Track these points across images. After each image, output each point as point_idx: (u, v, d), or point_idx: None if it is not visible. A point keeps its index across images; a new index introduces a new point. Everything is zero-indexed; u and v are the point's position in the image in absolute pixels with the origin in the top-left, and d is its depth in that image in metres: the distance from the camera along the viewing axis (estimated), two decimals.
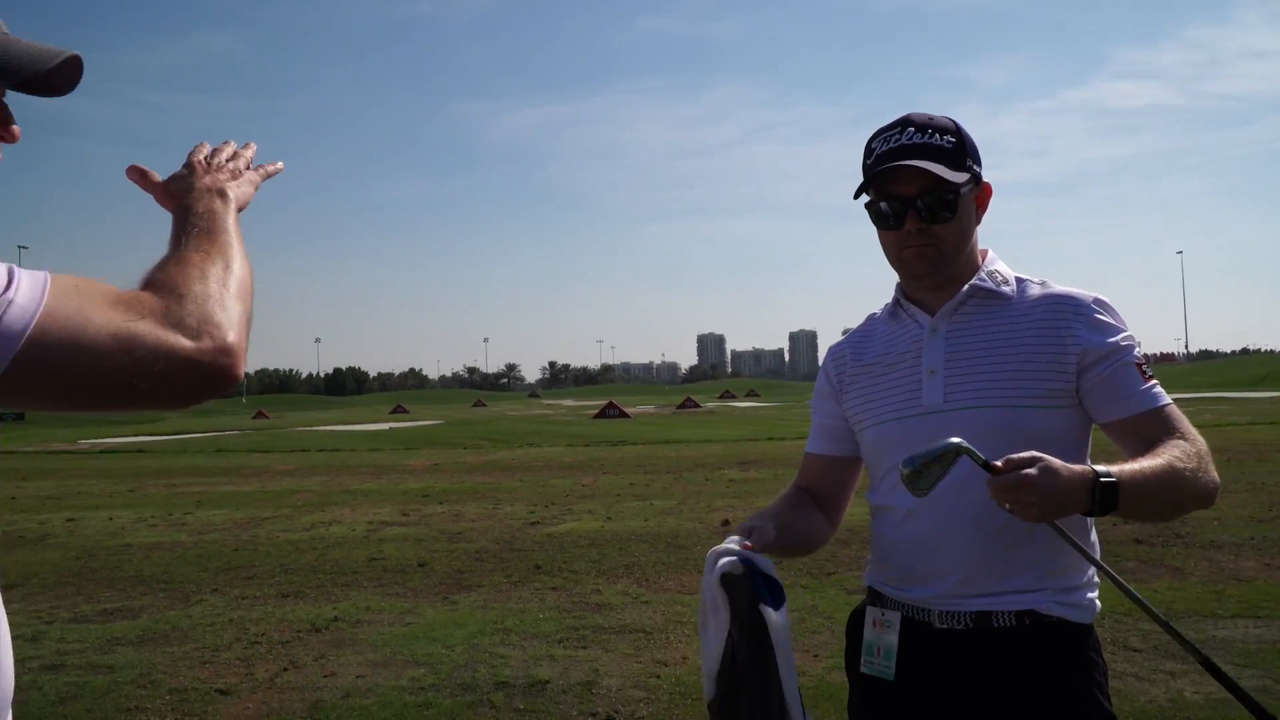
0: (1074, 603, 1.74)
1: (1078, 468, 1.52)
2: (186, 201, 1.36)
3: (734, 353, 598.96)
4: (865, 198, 1.85)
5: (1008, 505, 1.52)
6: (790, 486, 2.08)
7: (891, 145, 1.79)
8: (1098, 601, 1.79)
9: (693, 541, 9.12)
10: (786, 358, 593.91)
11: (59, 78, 1.32)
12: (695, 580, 7.40)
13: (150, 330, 1.14)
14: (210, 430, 42.15)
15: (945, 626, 1.76)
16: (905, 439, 1.77)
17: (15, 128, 1.31)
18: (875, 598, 1.90)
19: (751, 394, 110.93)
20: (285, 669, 5.36)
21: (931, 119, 1.82)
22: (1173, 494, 1.61)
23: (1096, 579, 1.80)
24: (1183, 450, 1.64)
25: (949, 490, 1.62)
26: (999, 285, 1.84)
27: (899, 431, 1.83)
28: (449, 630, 6.07)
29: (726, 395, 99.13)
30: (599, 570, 7.90)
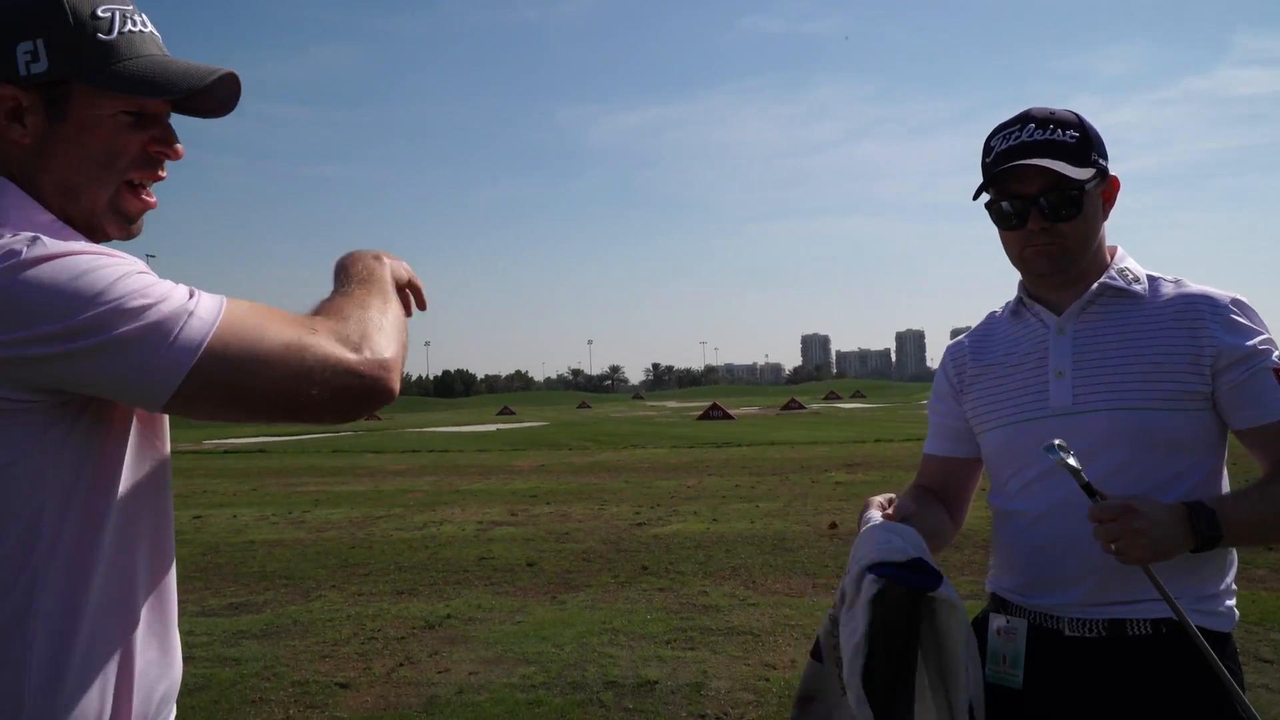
0: (1211, 610, 1.69)
1: (1172, 504, 1.55)
2: (346, 261, 1.49)
3: (839, 353, 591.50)
4: (985, 196, 1.82)
5: (1112, 547, 1.52)
6: (910, 486, 2.06)
7: (1011, 143, 1.75)
8: (1236, 610, 1.74)
9: (799, 544, 9.05)
10: (893, 358, 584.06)
11: (216, 97, 1.42)
12: (802, 583, 7.35)
13: (319, 343, 1.25)
14: (326, 431, 43.42)
15: (1076, 635, 1.72)
16: (1033, 442, 1.72)
17: (179, 146, 1.40)
18: (999, 604, 1.86)
19: (857, 395, 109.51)
20: (401, 664, 5.50)
21: (1053, 113, 1.77)
22: None
23: (1235, 586, 1.74)
24: None
25: (1079, 495, 1.60)
26: (1130, 283, 1.78)
27: (1026, 434, 1.78)
28: (558, 629, 6.14)
29: (832, 396, 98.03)
30: (705, 572, 7.90)
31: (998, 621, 1.83)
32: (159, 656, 1.37)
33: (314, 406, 1.26)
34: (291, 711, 4.78)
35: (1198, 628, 1.64)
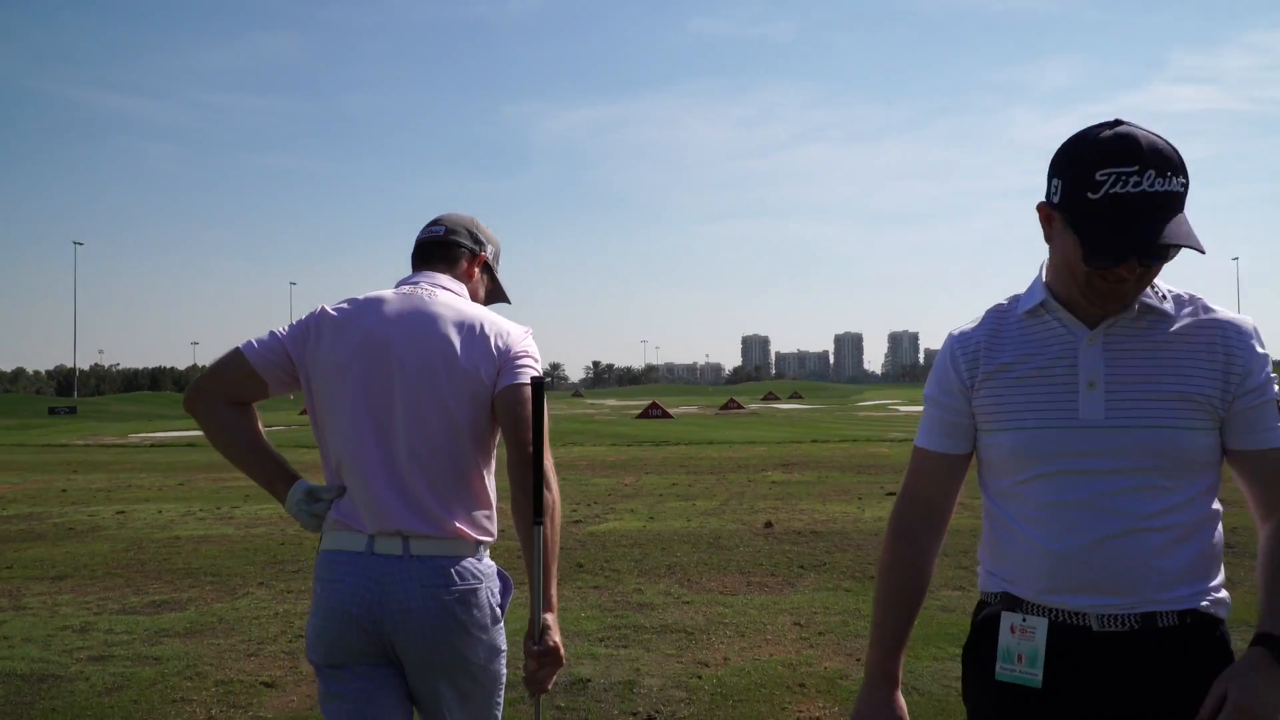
0: (1220, 599, 1.77)
1: (1257, 660, 1.63)
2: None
3: (778, 354, 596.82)
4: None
5: None
6: (893, 548, 1.94)
7: (1130, 189, 1.62)
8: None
9: (735, 543, 9.08)
10: (831, 360, 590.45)
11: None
12: (737, 581, 7.37)
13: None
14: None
15: (1106, 630, 1.73)
16: (1057, 449, 1.73)
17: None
18: (1012, 603, 1.82)
19: (795, 396, 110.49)
20: None
21: (1162, 153, 1.63)
22: None
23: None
24: None
25: (1105, 500, 1.67)
26: (1160, 301, 1.77)
27: (1049, 440, 1.75)
28: None
29: (770, 397, 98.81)
30: (641, 570, 7.88)
31: (1011, 619, 1.80)
32: None
33: None
34: (214, 711, 4.65)
35: (1211, 616, 1.74)
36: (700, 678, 5.00)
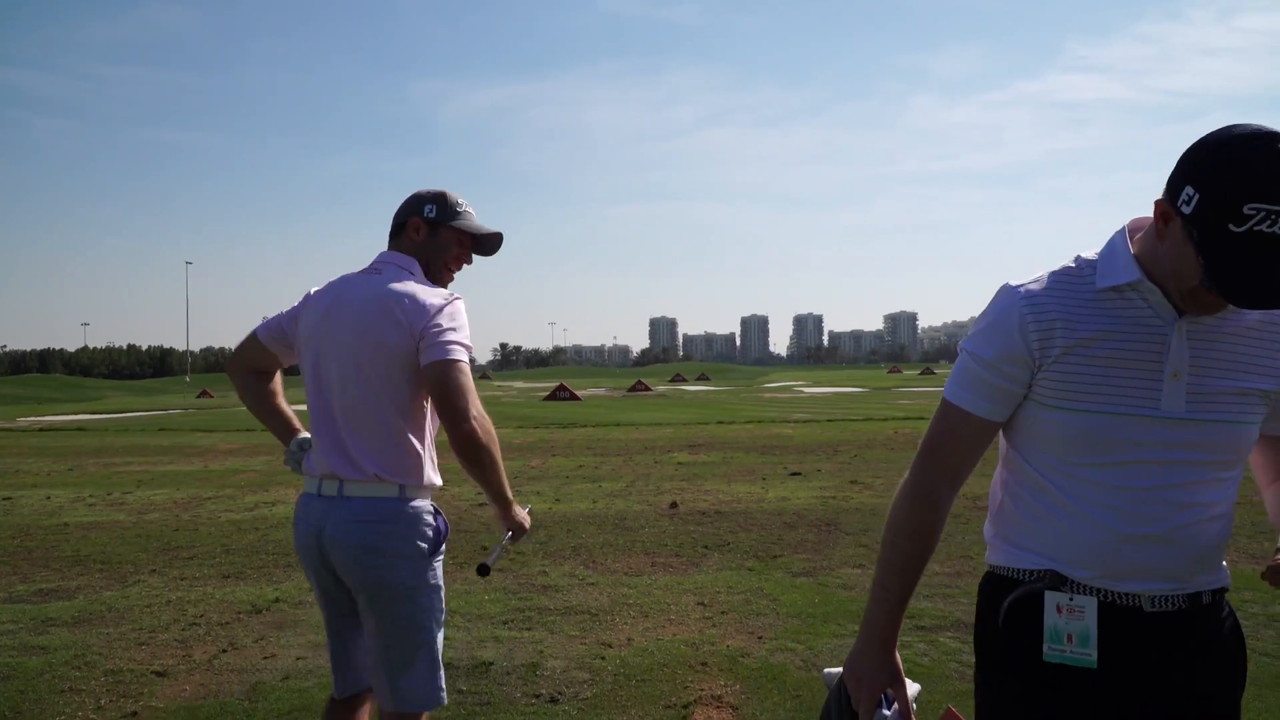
0: (1226, 572, 1.84)
1: None
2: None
3: (686, 336, 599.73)
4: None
5: None
6: (915, 511, 1.83)
7: (1278, 232, 1.48)
8: None
9: (640, 523, 9.13)
10: (738, 342, 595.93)
11: (489, 244, 3.01)
12: (641, 562, 7.42)
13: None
14: (153, 409, 41.41)
15: (1157, 610, 1.74)
16: (1132, 437, 1.68)
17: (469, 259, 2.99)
18: (1057, 581, 1.75)
19: (702, 378, 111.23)
20: (224, 650, 5.28)
21: None
22: None
23: None
24: None
25: (1172, 492, 1.70)
26: None
27: (1126, 428, 1.69)
28: None
29: (678, 379, 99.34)
30: (546, 552, 7.88)
31: (1057, 599, 1.74)
32: None
33: None
34: (104, 701, 4.52)
35: (1222, 590, 1.80)
36: (604, 658, 5.03)
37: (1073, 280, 1.74)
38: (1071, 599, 1.72)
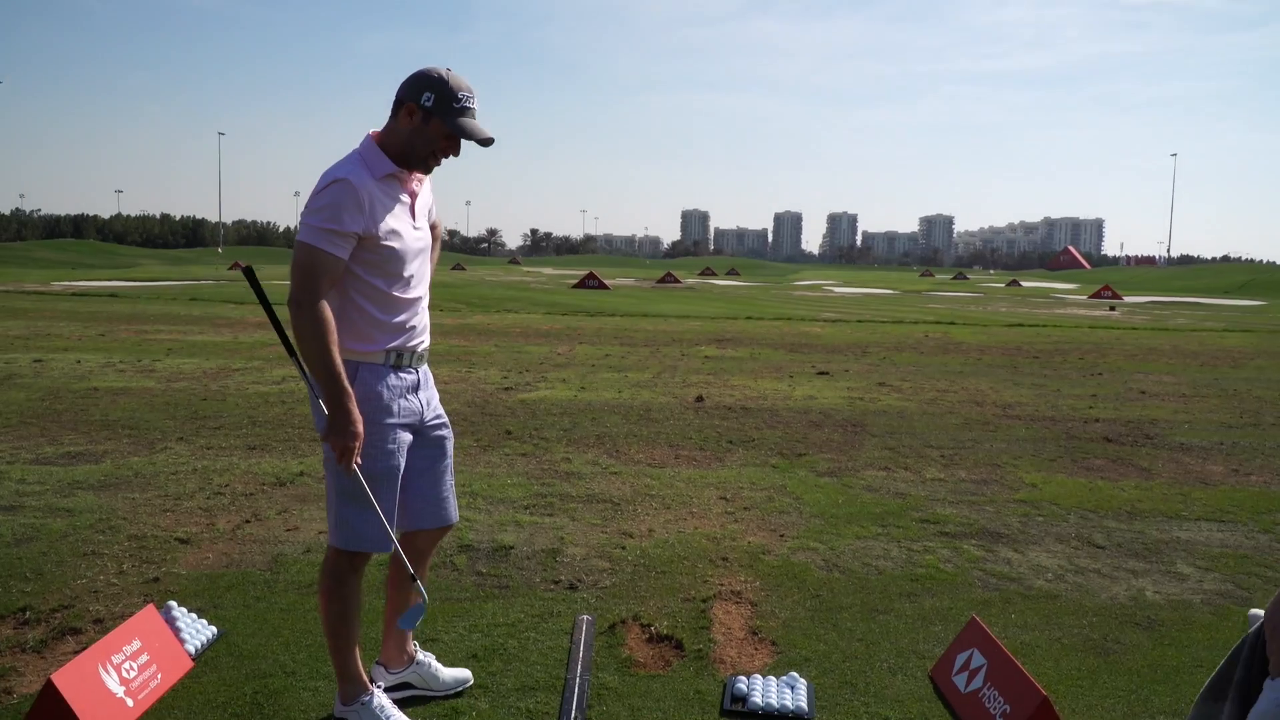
0: None
1: None
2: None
3: (718, 230, 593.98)
4: None
5: None
6: None
7: None
8: None
9: (665, 416, 9.09)
10: (770, 238, 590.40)
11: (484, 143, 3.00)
12: (665, 454, 7.38)
13: None
14: (185, 279, 41.61)
15: None
16: None
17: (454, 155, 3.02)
18: None
19: (732, 272, 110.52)
20: (248, 521, 5.31)
21: None
22: None
23: None
24: None
25: None
26: None
27: None
28: None
29: (707, 272, 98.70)
30: (570, 439, 7.86)
31: None
32: None
33: None
34: (126, 566, 4.56)
35: None
36: (624, 548, 5.02)
37: None
38: None
